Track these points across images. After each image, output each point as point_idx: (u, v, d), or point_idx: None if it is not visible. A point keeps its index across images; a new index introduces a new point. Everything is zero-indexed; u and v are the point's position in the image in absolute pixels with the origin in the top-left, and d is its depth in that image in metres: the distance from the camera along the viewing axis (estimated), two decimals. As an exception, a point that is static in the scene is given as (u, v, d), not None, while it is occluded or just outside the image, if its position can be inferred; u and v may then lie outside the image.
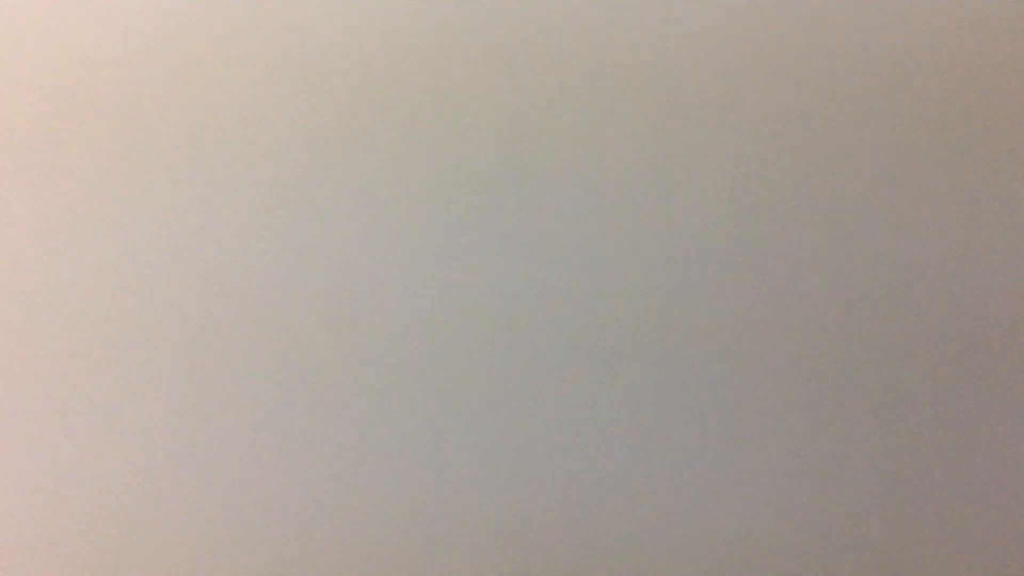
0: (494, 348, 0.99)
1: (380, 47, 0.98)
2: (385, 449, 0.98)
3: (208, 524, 0.97)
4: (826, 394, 1.00)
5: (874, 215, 1.00)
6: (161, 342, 0.97)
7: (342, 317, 0.98)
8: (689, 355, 1.00)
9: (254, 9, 0.97)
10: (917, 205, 1.01)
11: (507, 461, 0.99)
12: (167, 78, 0.97)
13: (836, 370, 1.00)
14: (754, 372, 1.00)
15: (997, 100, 1.01)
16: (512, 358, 0.99)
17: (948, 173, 1.01)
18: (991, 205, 1.01)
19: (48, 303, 0.97)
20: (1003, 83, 1.01)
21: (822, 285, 1.00)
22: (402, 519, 0.98)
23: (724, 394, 1.00)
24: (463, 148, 0.98)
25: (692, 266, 0.99)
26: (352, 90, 0.98)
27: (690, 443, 0.99)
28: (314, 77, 0.98)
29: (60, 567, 0.97)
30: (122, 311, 0.97)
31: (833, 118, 1.00)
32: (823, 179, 1.00)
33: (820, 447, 1.00)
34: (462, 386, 0.98)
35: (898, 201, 1.01)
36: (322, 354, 0.98)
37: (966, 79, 1.01)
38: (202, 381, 0.97)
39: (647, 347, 0.99)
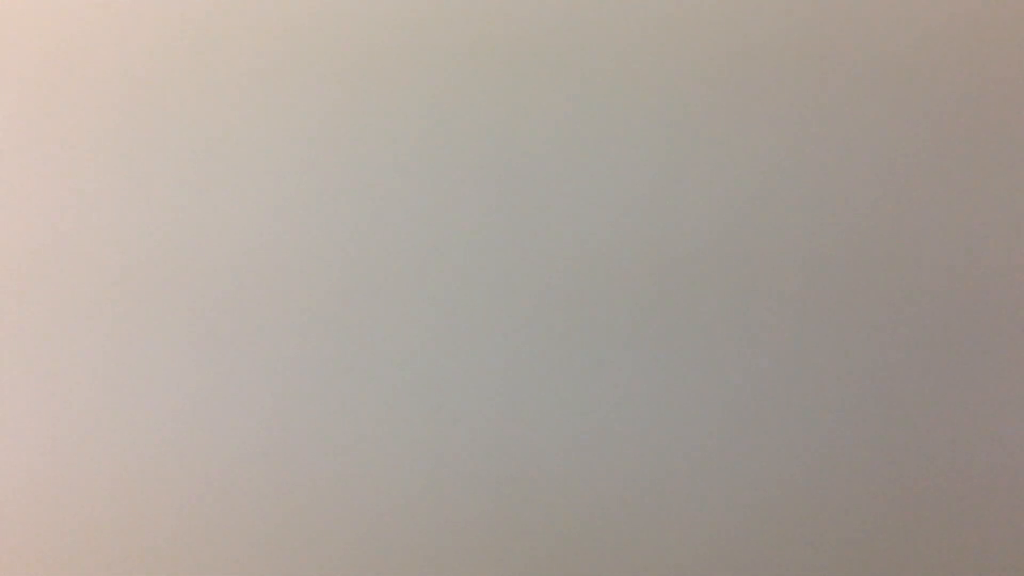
0: (497, 303, 0.99)
1: (382, 13, 0.98)
2: (389, 425, 0.98)
3: (212, 474, 0.98)
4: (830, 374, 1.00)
5: (874, 201, 1.00)
6: (165, 301, 0.97)
7: (348, 285, 0.98)
8: (691, 327, 0.99)
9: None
10: (919, 176, 1.00)
11: (510, 423, 0.99)
12: (171, 44, 0.97)
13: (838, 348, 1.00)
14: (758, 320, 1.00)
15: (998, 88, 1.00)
16: (515, 321, 0.99)
17: (947, 131, 1.01)
18: (992, 169, 1.01)
19: (52, 265, 0.97)
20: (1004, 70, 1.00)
21: (822, 266, 1.00)
22: (405, 489, 0.99)
23: (728, 366, 1.00)
24: (466, 106, 0.98)
25: (694, 229, 0.99)
26: (354, 54, 0.98)
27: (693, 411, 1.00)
28: (317, 41, 0.98)
29: (63, 521, 0.98)
30: (128, 267, 0.97)
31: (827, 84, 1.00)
32: (822, 148, 1.00)
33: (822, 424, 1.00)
34: (463, 330, 0.99)
35: (900, 177, 1.00)
36: (327, 319, 0.98)
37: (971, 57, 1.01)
38: (207, 333, 0.97)
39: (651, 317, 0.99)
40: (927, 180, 1.00)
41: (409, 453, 0.98)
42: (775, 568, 1.00)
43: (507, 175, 0.98)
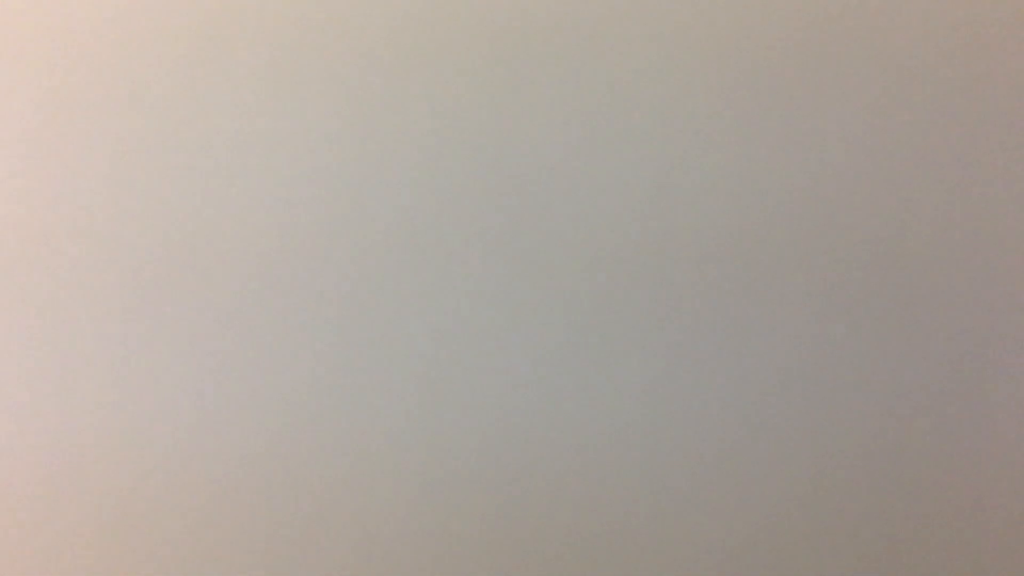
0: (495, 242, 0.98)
1: None
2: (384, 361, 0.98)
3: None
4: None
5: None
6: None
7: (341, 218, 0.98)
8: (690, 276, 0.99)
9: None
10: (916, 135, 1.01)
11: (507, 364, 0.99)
12: (175, 33, 0.97)
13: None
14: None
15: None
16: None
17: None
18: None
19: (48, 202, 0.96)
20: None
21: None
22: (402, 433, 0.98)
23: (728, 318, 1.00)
24: (478, 95, 0.98)
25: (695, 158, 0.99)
26: (360, 37, 0.98)
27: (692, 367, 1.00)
28: (324, 26, 0.97)
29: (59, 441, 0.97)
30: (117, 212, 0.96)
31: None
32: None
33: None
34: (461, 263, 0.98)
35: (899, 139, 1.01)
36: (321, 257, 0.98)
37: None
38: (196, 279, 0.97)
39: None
40: (940, 173, 1.01)
41: (417, 446, 0.98)
42: (786, 567, 1.00)
43: (517, 164, 0.98)
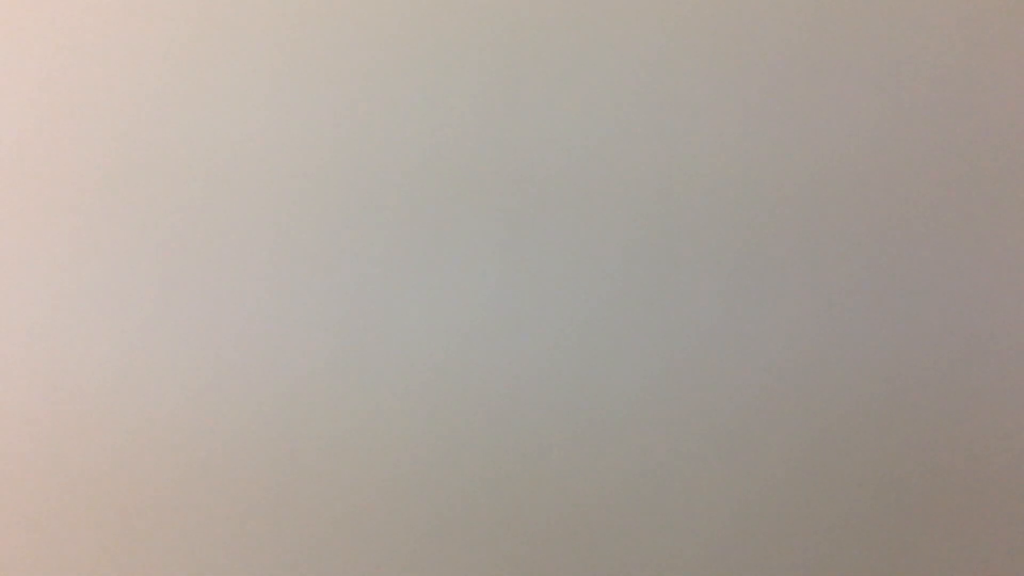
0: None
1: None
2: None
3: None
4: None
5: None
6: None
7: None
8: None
9: None
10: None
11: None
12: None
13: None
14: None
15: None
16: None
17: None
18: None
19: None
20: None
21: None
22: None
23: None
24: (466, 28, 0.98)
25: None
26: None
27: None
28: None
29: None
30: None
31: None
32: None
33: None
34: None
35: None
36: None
37: None
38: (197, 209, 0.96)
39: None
40: (938, 163, 1.01)
41: (418, 436, 0.98)
42: (786, 556, 1.00)
43: (523, 149, 0.98)
